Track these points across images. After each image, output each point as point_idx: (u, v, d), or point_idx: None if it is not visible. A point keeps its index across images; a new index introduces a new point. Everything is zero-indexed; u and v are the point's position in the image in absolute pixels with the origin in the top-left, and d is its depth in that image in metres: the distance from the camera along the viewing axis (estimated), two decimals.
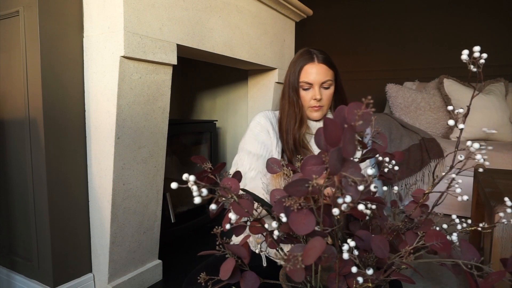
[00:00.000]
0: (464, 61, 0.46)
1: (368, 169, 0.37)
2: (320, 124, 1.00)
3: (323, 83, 0.95)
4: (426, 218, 0.50)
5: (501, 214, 0.52)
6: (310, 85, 0.96)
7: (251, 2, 1.64)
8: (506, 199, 0.49)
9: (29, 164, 1.16)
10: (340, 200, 0.36)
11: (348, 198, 0.36)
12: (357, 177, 0.34)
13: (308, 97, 0.97)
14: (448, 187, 0.52)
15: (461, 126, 0.48)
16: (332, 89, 0.98)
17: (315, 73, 0.95)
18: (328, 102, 0.98)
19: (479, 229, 0.51)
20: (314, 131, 1.00)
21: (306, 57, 0.97)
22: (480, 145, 0.46)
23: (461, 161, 0.49)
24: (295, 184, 0.37)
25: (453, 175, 0.51)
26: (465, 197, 0.50)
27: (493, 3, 2.73)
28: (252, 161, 0.94)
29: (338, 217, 0.41)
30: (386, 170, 0.55)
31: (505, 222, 0.50)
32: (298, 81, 0.96)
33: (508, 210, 0.49)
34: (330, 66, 0.97)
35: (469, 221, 0.51)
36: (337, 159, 0.34)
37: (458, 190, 0.50)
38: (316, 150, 0.98)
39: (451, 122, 0.48)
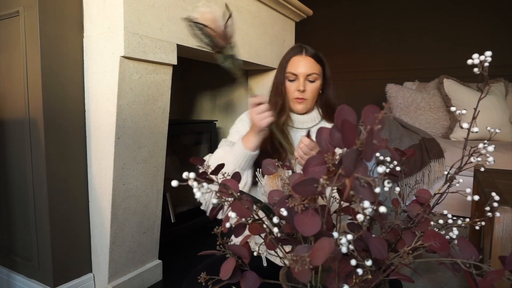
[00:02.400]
0: (469, 63, 0.45)
1: (378, 168, 0.37)
2: (303, 118, 1.01)
3: (308, 75, 0.96)
4: (425, 217, 0.50)
5: (498, 214, 0.52)
6: (296, 76, 0.97)
7: (251, 2, 1.64)
8: (494, 194, 0.50)
9: (29, 164, 1.16)
10: (366, 204, 0.35)
11: (366, 203, 0.35)
12: (370, 179, 0.33)
13: (292, 88, 0.98)
14: (448, 187, 0.52)
15: (475, 129, 0.48)
16: (317, 83, 0.98)
17: (301, 65, 0.96)
18: (312, 96, 0.99)
19: (477, 227, 0.51)
20: (297, 125, 1.01)
21: (296, 50, 0.99)
22: (488, 146, 0.46)
23: (471, 162, 0.49)
24: (303, 183, 0.36)
25: (456, 176, 0.51)
26: (476, 197, 0.51)
27: (493, 3, 2.73)
28: (227, 143, 0.98)
29: (363, 223, 0.40)
30: (388, 170, 0.54)
31: (490, 215, 0.50)
32: (285, 71, 0.98)
33: (495, 204, 0.51)
34: (318, 60, 0.98)
35: (467, 220, 0.51)
36: (352, 161, 0.34)
37: (468, 190, 0.51)
38: (297, 144, 0.97)
39: (465, 125, 0.49)
